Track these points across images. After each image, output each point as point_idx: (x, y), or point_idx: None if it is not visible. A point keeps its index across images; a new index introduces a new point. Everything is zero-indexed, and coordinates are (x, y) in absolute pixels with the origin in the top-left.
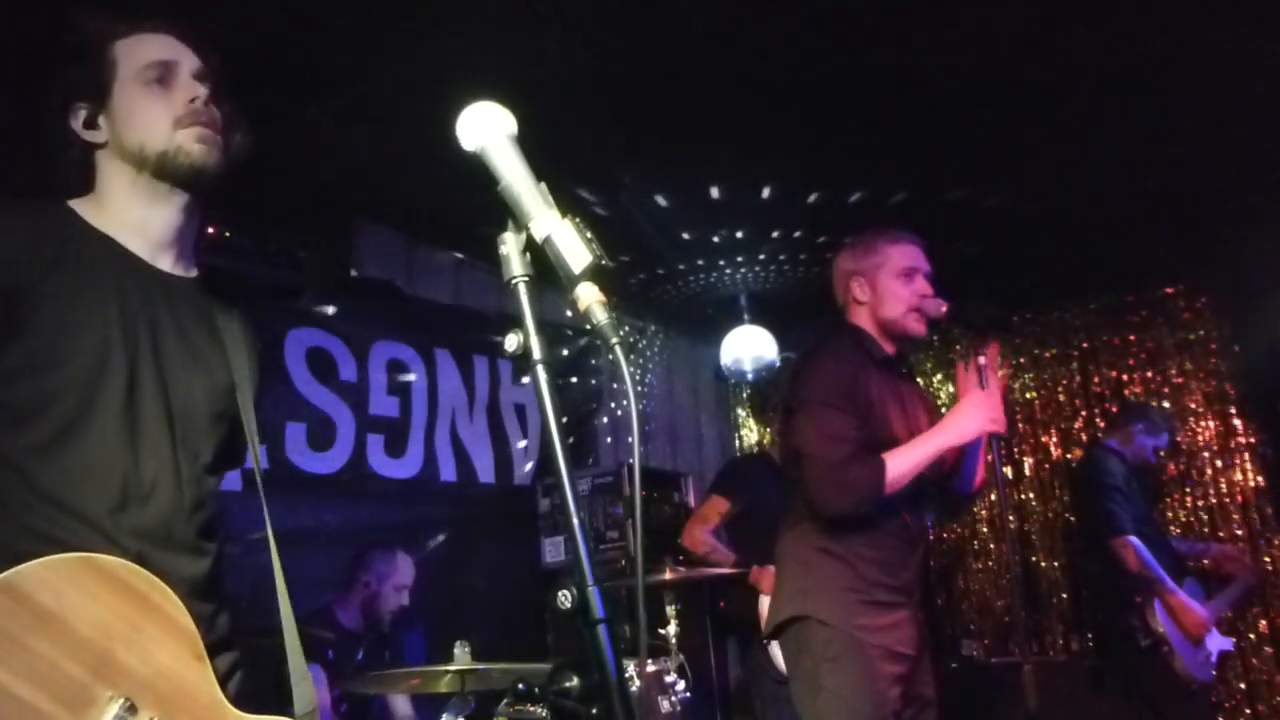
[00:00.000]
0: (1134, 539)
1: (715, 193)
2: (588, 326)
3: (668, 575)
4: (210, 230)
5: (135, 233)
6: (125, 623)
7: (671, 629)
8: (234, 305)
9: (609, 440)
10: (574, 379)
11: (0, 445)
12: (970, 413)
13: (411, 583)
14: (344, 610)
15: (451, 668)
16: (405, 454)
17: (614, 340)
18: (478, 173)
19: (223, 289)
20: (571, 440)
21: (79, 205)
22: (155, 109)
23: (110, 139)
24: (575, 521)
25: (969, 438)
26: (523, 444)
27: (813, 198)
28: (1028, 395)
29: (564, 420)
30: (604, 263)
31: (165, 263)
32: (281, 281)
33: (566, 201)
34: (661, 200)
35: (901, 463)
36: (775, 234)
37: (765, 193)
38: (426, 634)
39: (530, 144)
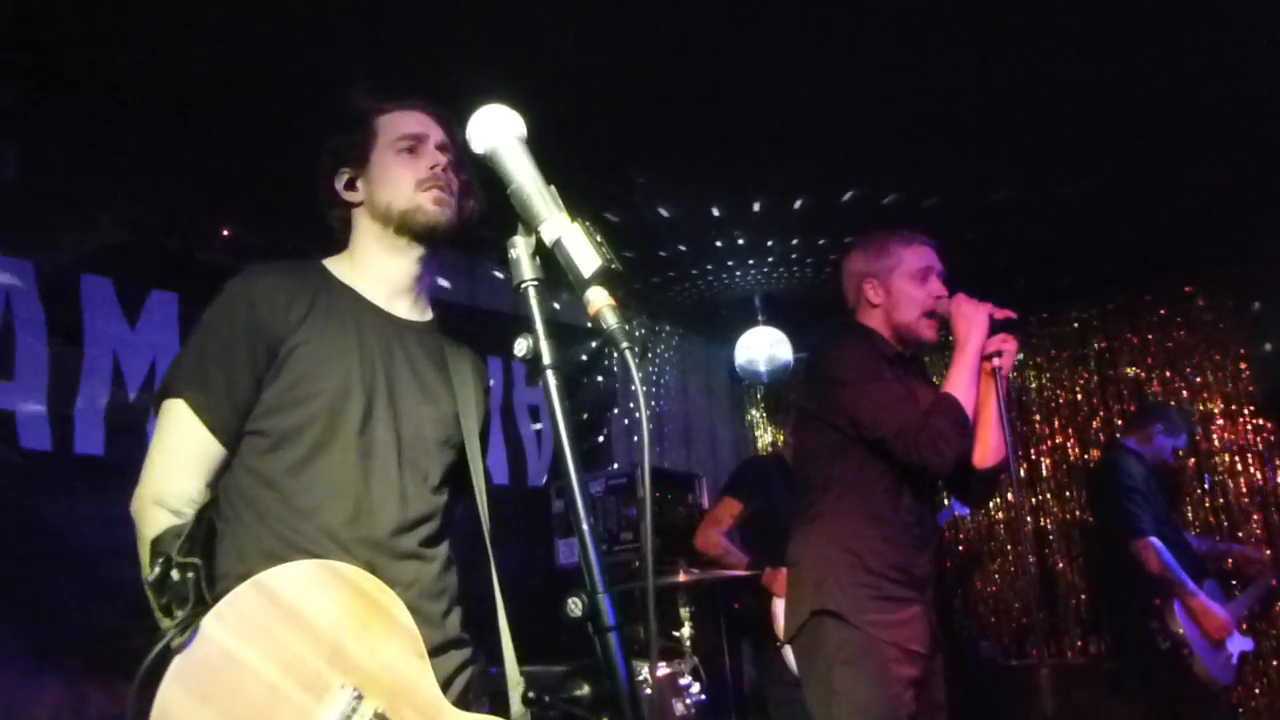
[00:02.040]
0: (1155, 540)
1: (730, 197)
2: (599, 329)
3: (681, 577)
4: (225, 233)
5: (378, 281)
6: (356, 621)
7: (685, 631)
8: (465, 345)
9: (624, 442)
10: (589, 380)
11: (262, 467)
12: (964, 310)
13: None
14: None
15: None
16: None
17: (624, 345)
18: (491, 173)
19: (454, 330)
20: (586, 443)
21: (331, 262)
22: (403, 173)
23: (365, 199)
24: (585, 528)
25: (982, 327)
26: (536, 428)
27: (845, 198)
28: (1045, 395)
29: (578, 423)
30: (614, 267)
31: (401, 308)
32: None
33: (578, 202)
34: (675, 202)
35: (957, 388)
36: (794, 239)
37: (772, 198)
38: None
39: (543, 144)
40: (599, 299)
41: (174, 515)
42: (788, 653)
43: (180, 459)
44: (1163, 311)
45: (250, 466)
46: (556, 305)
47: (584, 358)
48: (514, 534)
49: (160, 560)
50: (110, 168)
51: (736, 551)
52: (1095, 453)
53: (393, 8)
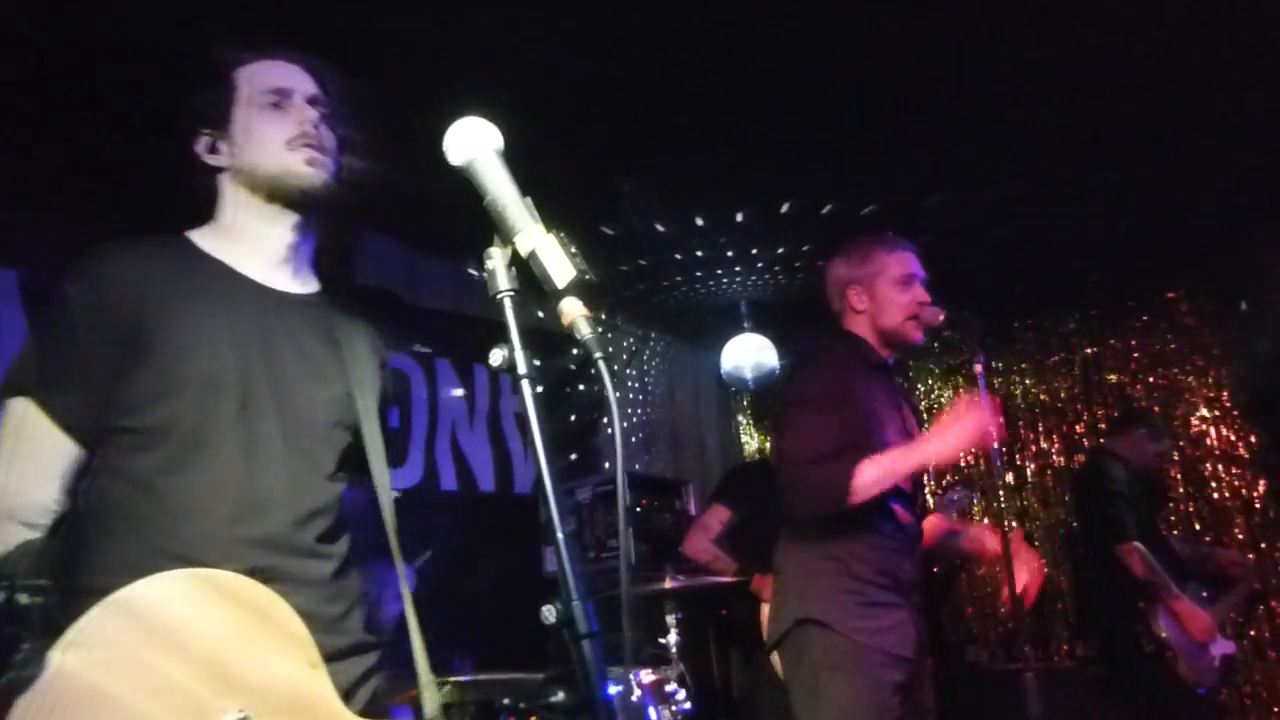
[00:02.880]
0: (1139, 545)
1: (714, 205)
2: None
3: (668, 584)
4: None
5: (251, 254)
6: (239, 635)
7: (672, 638)
8: (358, 318)
9: (612, 448)
10: (577, 387)
11: (130, 467)
12: (957, 428)
13: (412, 591)
14: None
15: (450, 678)
16: (405, 463)
17: (598, 354)
18: (469, 185)
19: (345, 303)
20: (574, 450)
21: (196, 234)
22: (269, 132)
23: (230, 163)
24: (560, 536)
25: (957, 448)
26: (517, 438)
27: (827, 209)
28: (1030, 400)
29: (566, 428)
30: (588, 277)
31: (281, 281)
32: None
33: (563, 211)
34: (660, 210)
35: (878, 469)
36: (780, 246)
37: (757, 205)
38: (426, 644)
39: (528, 154)
40: (573, 309)
41: (28, 529)
42: (776, 658)
43: (32, 465)
44: (1146, 317)
45: (115, 468)
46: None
47: (571, 365)
48: (501, 541)
49: (3, 585)
50: (95, 176)
51: (725, 557)
52: (1080, 458)
53: (376, 17)
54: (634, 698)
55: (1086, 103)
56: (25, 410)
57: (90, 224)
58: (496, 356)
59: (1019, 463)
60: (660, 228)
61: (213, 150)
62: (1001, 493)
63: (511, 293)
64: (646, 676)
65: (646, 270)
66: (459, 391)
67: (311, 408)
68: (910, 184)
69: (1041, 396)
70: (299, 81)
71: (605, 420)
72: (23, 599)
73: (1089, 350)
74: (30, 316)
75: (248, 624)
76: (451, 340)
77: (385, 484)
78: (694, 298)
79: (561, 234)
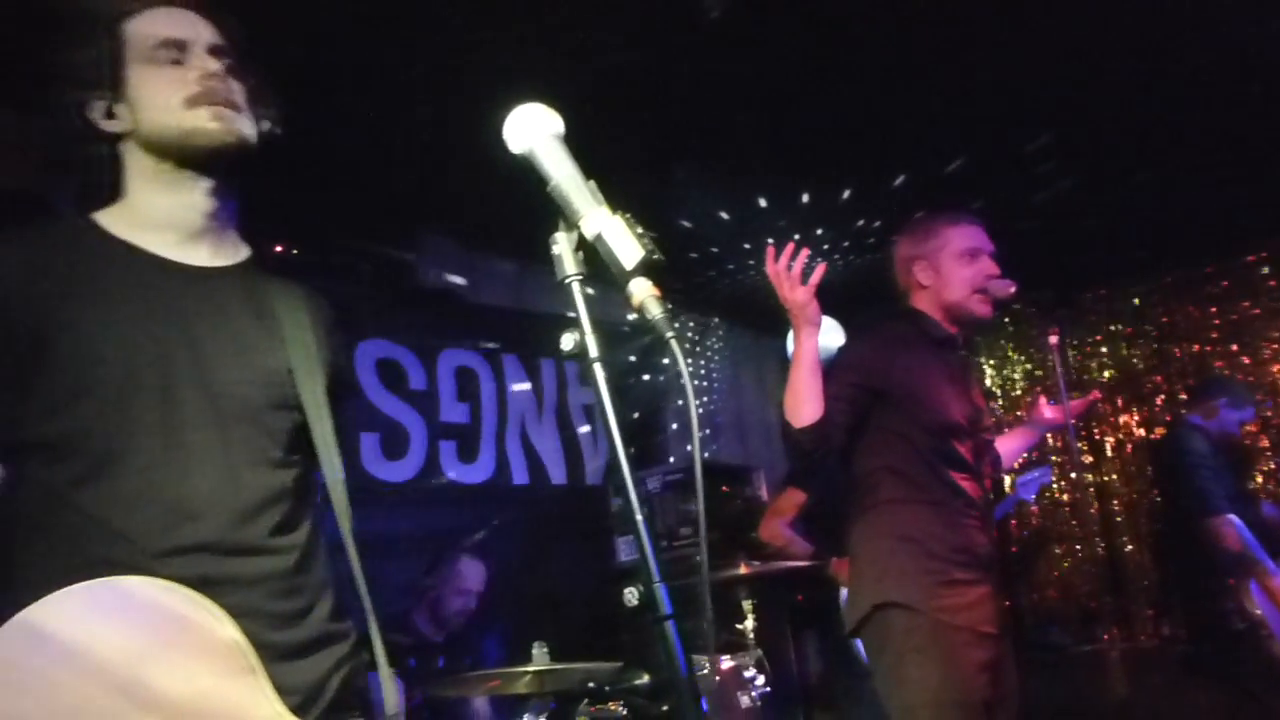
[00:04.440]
0: (1233, 517)
1: (774, 187)
2: (645, 322)
3: (742, 570)
4: (279, 249)
5: (164, 228)
6: (157, 644)
7: (748, 623)
8: (298, 284)
9: (679, 439)
10: (639, 379)
11: (49, 480)
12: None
13: (479, 587)
14: (420, 616)
15: (529, 668)
16: (477, 459)
17: (669, 334)
18: (535, 177)
19: (281, 269)
20: (639, 441)
21: (103, 215)
22: (168, 89)
23: (131, 128)
24: (639, 519)
25: (797, 333)
26: (585, 429)
27: (895, 183)
28: (1106, 373)
29: (630, 419)
30: (655, 257)
31: (201, 255)
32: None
33: (621, 198)
34: (719, 196)
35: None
36: (841, 227)
37: (817, 187)
38: (505, 636)
39: (586, 141)
40: (642, 290)
41: None
42: (856, 643)
43: None
44: (1225, 283)
45: (34, 481)
46: (629, 314)
47: (633, 357)
48: (573, 533)
49: None
50: None
51: (801, 541)
52: (1160, 430)
53: (435, 5)
54: (716, 680)
55: (1163, 65)
56: None
57: None
58: (568, 341)
59: (1097, 438)
60: (720, 214)
61: (110, 115)
62: (1083, 469)
63: (579, 277)
64: (725, 662)
65: (707, 257)
66: (525, 386)
67: (245, 392)
68: (978, 154)
69: (1117, 369)
70: (197, 30)
71: (680, 402)
72: None
73: (1165, 319)
74: None
75: (168, 631)
76: (516, 336)
77: (335, 465)
78: (755, 283)
79: (628, 215)
